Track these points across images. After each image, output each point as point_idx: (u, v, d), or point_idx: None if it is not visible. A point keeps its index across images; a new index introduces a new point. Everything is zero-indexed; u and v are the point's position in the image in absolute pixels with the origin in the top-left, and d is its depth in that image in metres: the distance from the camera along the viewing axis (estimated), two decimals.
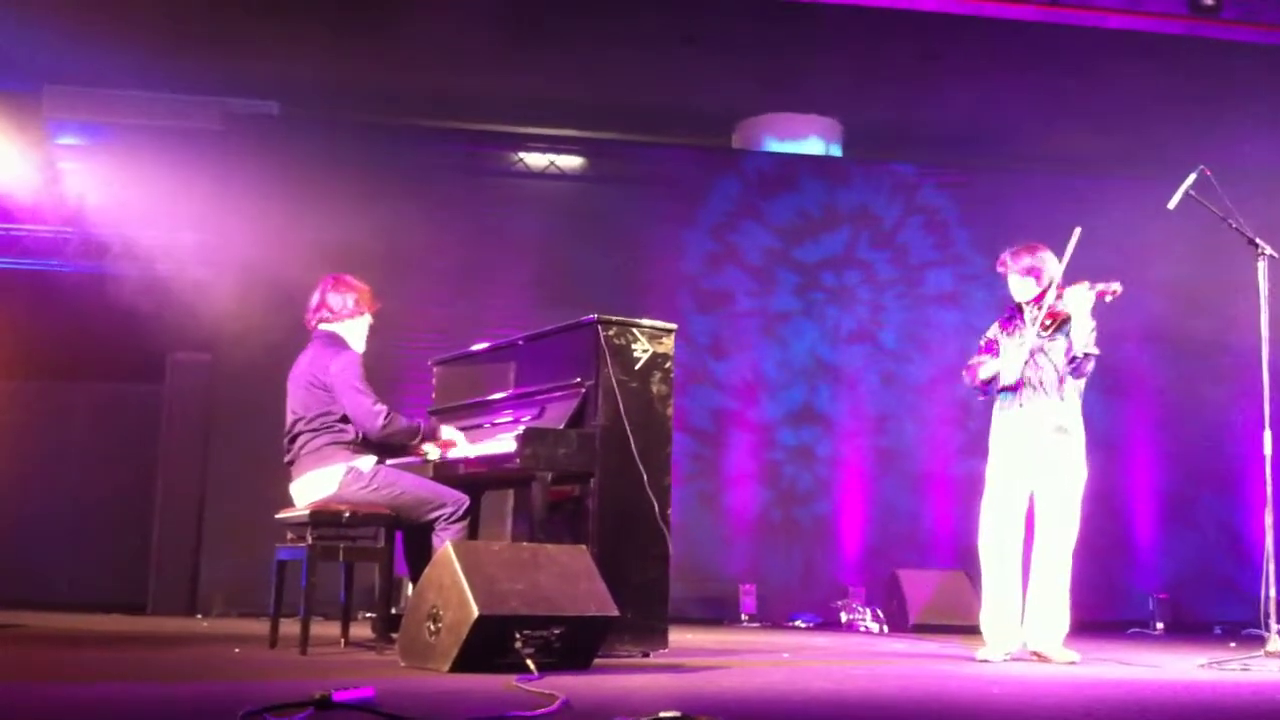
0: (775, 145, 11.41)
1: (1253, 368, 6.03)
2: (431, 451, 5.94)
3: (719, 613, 10.15)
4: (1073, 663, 5.86)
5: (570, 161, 11.13)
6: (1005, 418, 6.16)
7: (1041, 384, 6.08)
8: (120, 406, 10.48)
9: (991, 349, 6.29)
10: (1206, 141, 9.76)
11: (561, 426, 5.65)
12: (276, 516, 5.88)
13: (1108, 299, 5.99)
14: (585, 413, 5.73)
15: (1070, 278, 6.07)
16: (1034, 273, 6.15)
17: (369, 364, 5.93)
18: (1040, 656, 5.99)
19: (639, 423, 5.74)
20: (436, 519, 5.70)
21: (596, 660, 4.83)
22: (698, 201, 11.06)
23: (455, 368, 6.85)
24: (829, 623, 9.96)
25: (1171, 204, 6.04)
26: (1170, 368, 11.20)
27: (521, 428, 5.61)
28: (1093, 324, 6.03)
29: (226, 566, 9.50)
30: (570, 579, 4.79)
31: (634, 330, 5.86)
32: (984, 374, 6.26)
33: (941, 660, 6.11)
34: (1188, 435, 11.14)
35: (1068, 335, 6.04)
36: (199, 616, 9.41)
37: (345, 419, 5.73)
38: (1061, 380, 6.07)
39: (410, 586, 5.89)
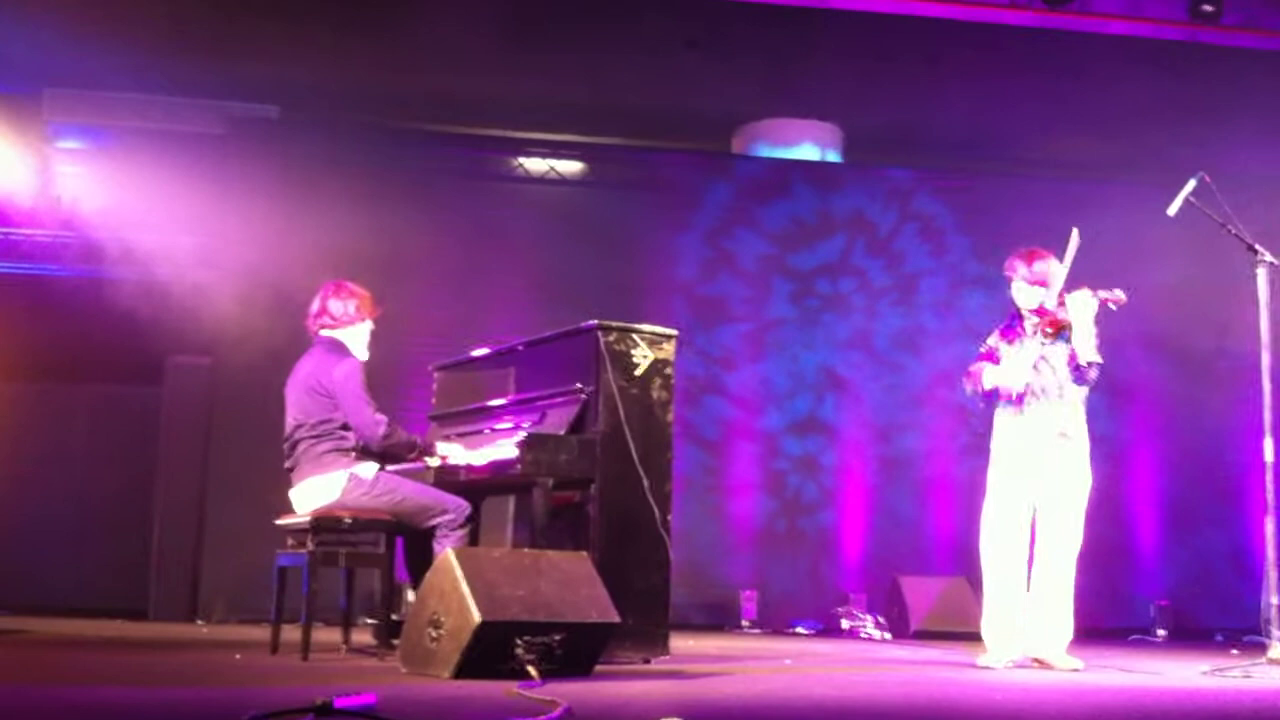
0: (775, 150, 11.40)
1: (1253, 374, 6.02)
2: (432, 459, 5.94)
3: (720, 619, 10.14)
4: (1075, 670, 5.86)
5: (570, 166, 11.13)
6: (1008, 424, 6.15)
7: (1044, 390, 6.07)
8: (120, 410, 10.46)
9: (991, 357, 6.28)
10: (1206, 147, 9.76)
11: (562, 432, 5.65)
12: (277, 522, 5.87)
13: (1111, 307, 5.99)
14: (586, 419, 5.73)
15: (1070, 283, 6.06)
16: (1041, 280, 6.13)
17: (369, 369, 5.93)
18: (1042, 663, 5.98)
19: (639, 429, 5.75)
20: (438, 525, 5.70)
21: (598, 667, 4.82)
22: (698, 207, 11.06)
23: (455, 373, 6.85)
24: (830, 629, 9.95)
25: (1171, 210, 6.04)
26: (1171, 374, 11.20)
27: (523, 434, 5.61)
28: (1095, 330, 6.01)
29: (227, 572, 9.48)
30: (571, 585, 4.79)
31: (634, 336, 5.86)
32: (987, 383, 6.23)
33: (943, 667, 6.10)
34: (1189, 442, 11.13)
35: (1069, 342, 6.03)
36: (200, 622, 9.40)
37: (347, 425, 5.73)
38: (1064, 387, 6.06)
39: (411, 592, 5.89)
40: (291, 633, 5.77)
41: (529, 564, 4.79)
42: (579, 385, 5.77)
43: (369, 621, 7.39)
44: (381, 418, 5.71)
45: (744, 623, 10.07)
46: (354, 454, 5.74)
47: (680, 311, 10.55)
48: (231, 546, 9.34)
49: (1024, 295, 6.18)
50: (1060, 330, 6.07)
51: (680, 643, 6.36)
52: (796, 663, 6.20)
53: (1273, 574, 5.80)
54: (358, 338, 6.02)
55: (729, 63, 10.14)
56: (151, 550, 9.85)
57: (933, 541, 10.69)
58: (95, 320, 9.56)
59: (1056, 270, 6.13)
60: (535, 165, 11.05)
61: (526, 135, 11.20)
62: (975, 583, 6.91)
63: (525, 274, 10.35)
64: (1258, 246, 6.10)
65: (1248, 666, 5.80)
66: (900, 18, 9.25)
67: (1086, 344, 5.97)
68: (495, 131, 11.22)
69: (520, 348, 6.31)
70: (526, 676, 4.38)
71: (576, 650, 4.66)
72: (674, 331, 6.01)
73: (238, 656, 5.70)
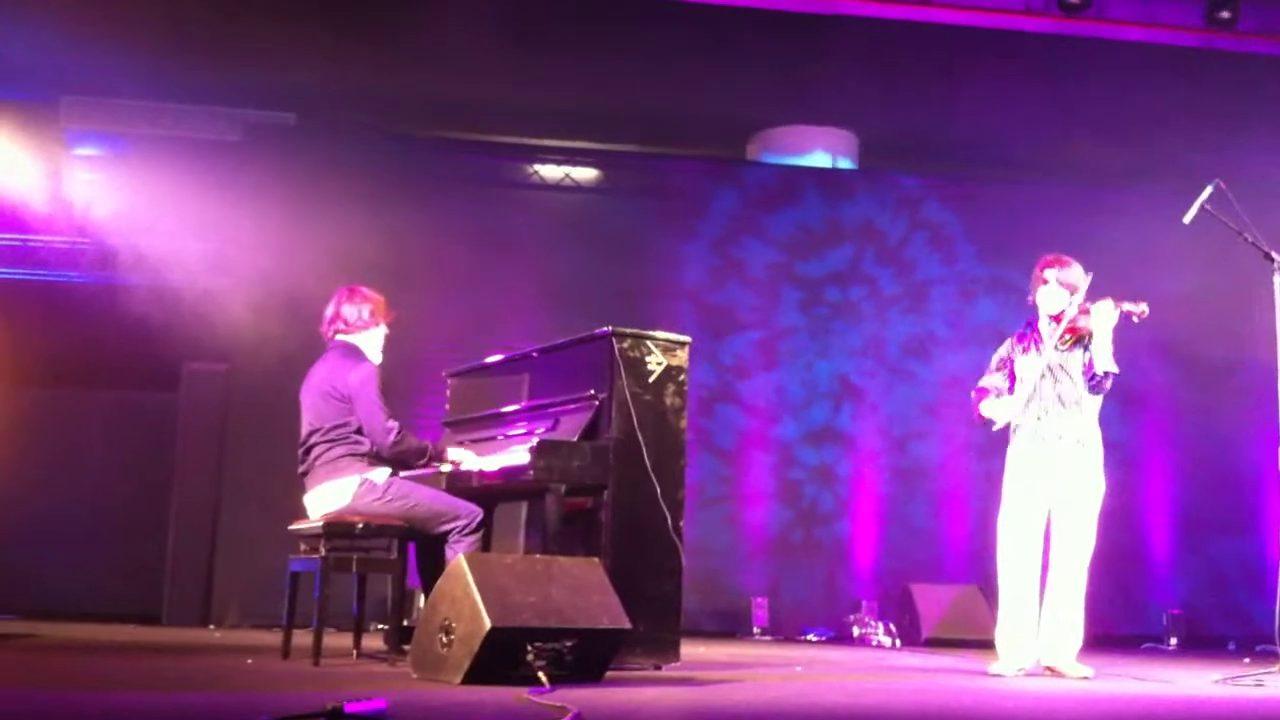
0: (789, 158, 11.41)
1: (1268, 382, 5.99)
2: (443, 466, 5.95)
3: (731, 626, 10.14)
4: (1086, 678, 5.84)
5: (585, 173, 11.15)
6: (1023, 432, 6.13)
7: (1059, 398, 6.05)
8: (135, 416, 10.49)
9: (1005, 366, 6.25)
10: (1222, 154, 9.72)
11: (575, 439, 5.65)
12: (290, 528, 5.89)
13: (1135, 319, 5.97)
14: (599, 425, 5.73)
15: (1089, 292, 6.05)
16: (1070, 287, 6.11)
17: (383, 374, 5.94)
18: (1054, 671, 5.96)
19: (652, 435, 5.74)
20: (450, 531, 5.71)
21: (609, 673, 4.82)
22: (711, 214, 11.06)
23: (469, 379, 6.86)
24: (841, 637, 9.94)
25: (1188, 218, 6.02)
26: (1185, 382, 11.17)
27: (536, 440, 5.62)
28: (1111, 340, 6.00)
29: (240, 577, 9.51)
30: (583, 591, 4.79)
31: (648, 343, 5.86)
32: (984, 413, 6.21)
33: (955, 675, 6.09)
34: (1202, 450, 11.09)
35: (1086, 350, 6.01)
36: (212, 627, 9.43)
37: (361, 430, 5.74)
38: (1079, 395, 6.03)
39: (423, 598, 5.89)
40: (303, 638, 5.78)
41: (540, 570, 4.79)
42: (592, 392, 5.77)
43: (380, 627, 7.40)
44: (393, 424, 5.72)
45: (755, 630, 10.07)
46: (368, 459, 5.75)
47: (694, 319, 10.55)
48: (245, 552, 9.37)
49: (1050, 300, 6.15)
50: (1079, 339, 6.05)
51: (691, 649, 6.36)
52: (807, 670, 6.19)
53: None
54: (372, 342, 6.03)
55: (744, 69, 10.15)
56: (165, 555, 9.89)
57: (944, 549, 10.67)
58: (111, 326, 9.60)
59: (1080, 276, 6.11)
60: (550, 172, 11.08)
61: (541, 142, 11.23)
62: (987, 591, 6.90)
63: (539, 280, 10.36)
64: (1274, 254, 6.08)
65: (1260, 675, 5.78)
66: (916, 24, 9.25)
67: (1105, 354, 5.96)
68: (510, 138, 11.25)
69: (534, 354, 6.31)
70: (537, 683, 4.37)
71: (587, 656, 4.65)
72: (687, 338, 6.01)
73: (249, 661, 5.71)
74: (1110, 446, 6.16)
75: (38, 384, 10.18)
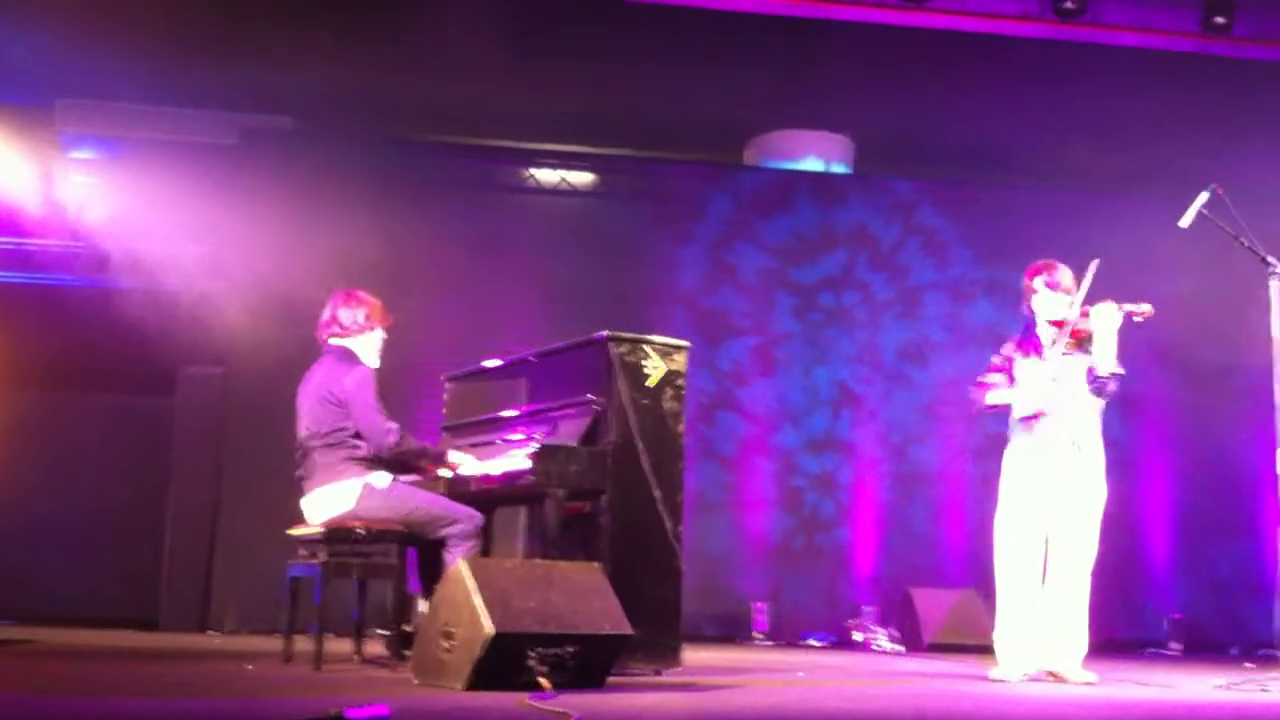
0: (785, 162, 11.42)
1: (1265, 386, 6.00)
2: (443, 469, 5.94)
3: (732, 630, 10.13)
4: (1089, 683, 5.83)
5: (582, 178, 11.15)
6: (1022, 436, 6.13)
7: (1058, 403, 6.05)
8: (132, 420, 10.47)
9: (1005, 369, 6.25)
10: (1219, 159, 9.74)
11: (574, 444, 5.64)
12: (289, 533, 5.87)
13: (1137, 319, 5.97)
14: (598, 430, 5.72)
15: (1089, 298, 6.05)
16: (1064, 289, 6.11)
17: (381, 379, 5.92)
18: (1056, 676, 5.95)
19: (651, 440, 5.73)
20: (449, 536, 5.69)
21: (609, 678, 4.81)
22: (708, 219, 11.07)
23: (467, 384, 6.85)
24: (842, 642, 9.93)
25: (1183, 222, 6.03)
26: (1184, 386, 11.17)
27: (535, 445, 5.61)
28: (1115, 342, 5.99)
29: (239, 582, 9.48)
30: (583, 596, 4.78)
31: (646, 347, 5.84)
32: (992, 399, 6.21)
33: (957, 680, 6.08)
34: (1203, 454, 11.09)
35: (1087, 353, 6.01)
36: (211, 632, 9.40)
37: (359, 434, 5.72)
38: (1078, 398, 6.03)
39: (423, 603, 5.88)
40: (304, 643, 5.76)
41: (541, 575, 4.78)
42: (591, 396, 5.76)
43: (381, 632, 7.38)
44: (393, 426, 5.71)
45: (756, 635, 10.06)
46: (367, 463, 5.74)
47: (691, 323, 10.55)
48: (243, 557, 9.35)
49: (1046, 305, 6.15)
50: (1080, 342, 6.04)
51: (692, 654, 6.35)
52: (808, 675, 6.18)
53: None
54: (368, 346, 6.02)
55: (741, 74, 10.16)
56: (163, 560, 9.86)
57: (944, 554, 10.67)
58: (107, 330, 9.57)
59: (1072, 280, 6.12)
60: (547, 176, 11.07)
61: (538, 146, 11.23)
62: (987, 595, 6.89)
63: (536, 285, 10.35)
64: (1270, 258, 6.07)
65: (1263, 680, 5.78)
66: (913, 30, 9.27)
67: (1108, 356, 5.95)
68: (507, 142, 11.25)
69: (532, 358, 6.30)
70: (538, 688, 4.37)
71: (588, 662, 4.65)
72: (686, 343, 6.00)
73: (249, 667, 5.70)
74: (1109, 450, 6.15)
75: (34, 388, 10.16)
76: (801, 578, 10.57)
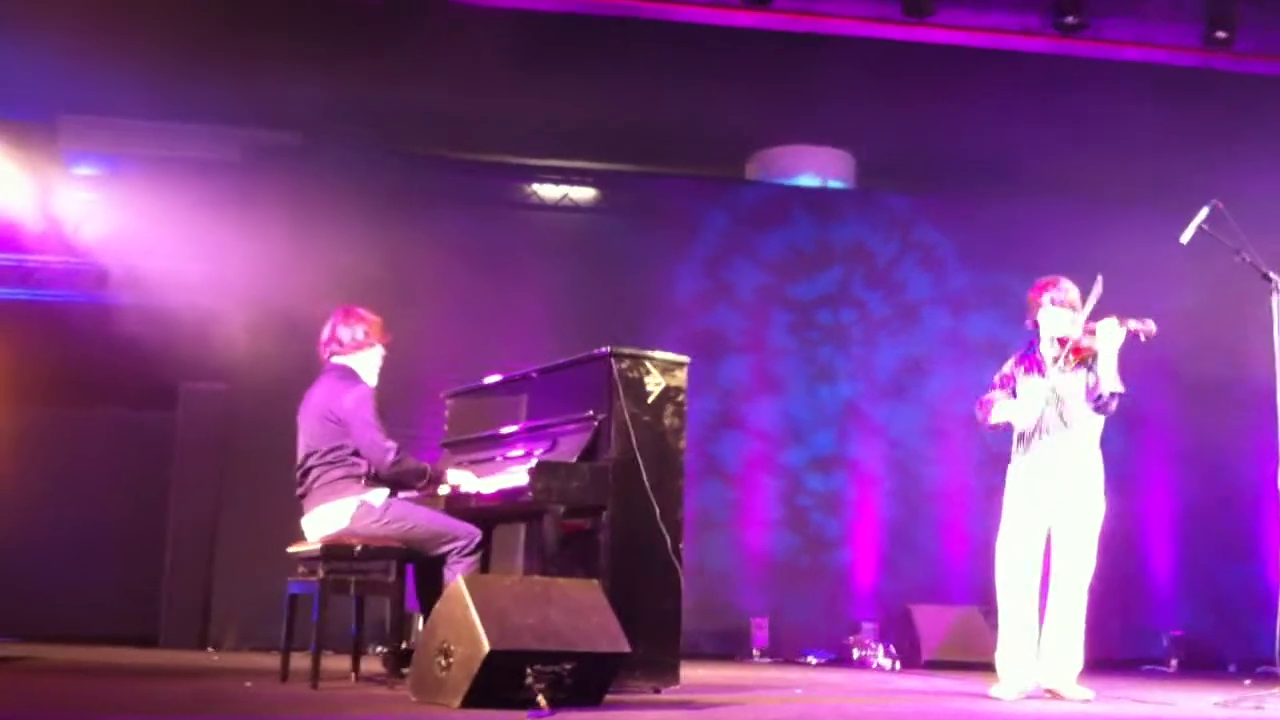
0: (786, 178, 11.43)
1: (1266, 402, 5.98)
2: (442, 487, 5.93)
3: (731, 647, 10.10)
4: (1087, 700, 5.82)
5: (584, 193, 11.15)
6: (1022, 452, 6.12)
7: (1061, 419, 6.04)
8: (134, 435, 10.48)
9: (1007, 384, 6.24)
10: (1220, 174, 9.74)
11: (574, 460, 5.64)
12: (288, 550, 5.86)
13: (1142, 339, 5.96)
14: (598, 446, 5.71)
15: (1093, 313, 6.04)
16: (1070, 305, 6.10)
17: (381, 396, 5.92)
18: (1054, 694, 5.94)
19: (651, 456, 5.72)
20: (448, 553, 5.68)
21: (608, 696, 4.80)
22: (710, 234, 11.08)
23: (468, 400, 6.84)
24: (841, 659, 9.90)
25: (1185, 237, 6.01)
26: (1184, 402, 11.14)
27: (534, 461, 5.60)
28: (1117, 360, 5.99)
29: (238, 599, 9.47)
30: (582, 613, 4.77)
31: (646, 363, 5.84)
32: (995, 418, 6.20)
33: (955, 697, 6.07)
34: (1203, 471, 11.07)
35: (1089, 370, 6.00)
36: (210, 650, 9.39)
37: (359, 453, 5.72)
38: (1079, 415, 6.02)
39: (421, 620, 5.87)
40: (302, 660, 5.75)
41: (539, 592, 4.77)
42: (591, 412, 5.75)
43: (379, 649, 7.37)
44: (391, 444, 5.70)
45: (755, 652, 10.04)
46: (365, 481, 5.73)
47: (693, 340, 10.53)
48: (243, 574, 9.34)
49: (1052, 321, 6.13)
50: (1083, 359, 6.03)
51: (691, 672, 6.34)
52: (807, 693, 6.17)
53: None
54: (368, 363, 6.01)
55: (743, 90, 10.17)
56: (163, 577, 9.86)
57: (944, 571, 10.65)
58: (109, 346, 9.58)
59: (1079, 297, 6.11)
60: (549, 192, 11.08)
61: (540, 162, 11.24)
62: (987, 612, 6.88)
63: (537, 301, 10.36)
64: (1271, 274, 6.07)
65: (1261, 697, 5.76)
66: (914, 45, 9.28)
67: (1110, 373, 5.94)
68: (509, 158, 11.26)
69: (533, 374, 6.30)
70: (536, 706, 4.35)
71: (587, 679, 4.63)
72: (686, 358, 6.00)
73: (248, 684, 5.69)
74: (1109, 466, 6.14)
75: (36, 403, 10.18)
76: (801, 594, 10.55)
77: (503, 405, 6.45)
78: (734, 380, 10.86)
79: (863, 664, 9.56)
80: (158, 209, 9.88)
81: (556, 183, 11.12)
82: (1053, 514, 6.01)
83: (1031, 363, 6.19)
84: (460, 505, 5.93)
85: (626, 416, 5.70)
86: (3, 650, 7.76)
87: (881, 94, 10.27)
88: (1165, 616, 10.74)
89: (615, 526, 5.64)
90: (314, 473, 5.76)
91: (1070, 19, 9.02)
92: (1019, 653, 5.98)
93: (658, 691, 5.58)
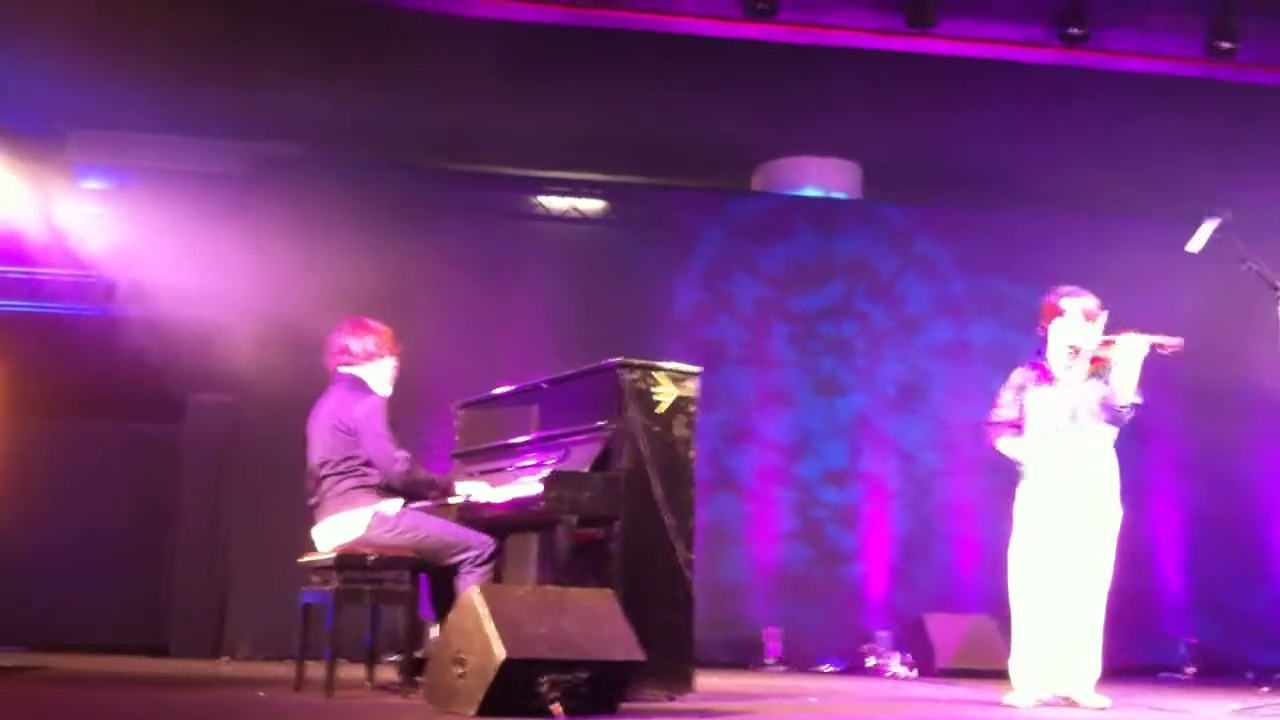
0: (791, 189, 11.46)
1: (1273, 410, 6.00)
2: (453, 498, 5.95)
3: (744, 656, 10.08)
4: (1103, 708, 5.81)
5: (590, 205, 11.18)
6: (1037, 460, 6.11)
7: (1074, 427, 6.03)
8: (143, 447, 10.50)
9: (1018, 398, 6.20)
10: (1225, 183, 9.77)
11: (586, 470, 5.65)
12: (301, 560, 5.88)
13: (1164, 352, 5.96)
14: (609, 456, 5.73)
15: (1111, 325, 6.04)
16: (1089, 316, 6.10)
17: (392, 406, 5.93)
18: (1070, 701, 5.93)
19: (662, 466, 5.74)
20: (461, 562, 5.70)
21: (622, 704, 4.80)
22: (716, 245, 11.09)
23: (479, 411, 6.86)
24: (855, 667, 9.89)
25: (1191, 246, 6.01)
26: (1193, 410, 11.11)
27: (546, 471, 5.62)
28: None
29: (252, 609, 9.48)
30: (595, 622, 4.77)
31: (656, 373, 5.86)
32: (1003, 449, 6.18)
33: (969, 705, 6.07)
34: (1211, 478, 11.05)
35: (1103, 380, 6.01)
36: (223, 659, 9.40)
37: (370, 463, 5.74)
38: (1094, 424, 6.02)
39: (435, 630, 5.88)
40: (316, 670, 5.76)
41: (553, 601, 4.78)
42: (602, 423, 5.77)
43: (393, 658, 7.38)
44: (403, 454, 5.72)
45: (768, 660, 10.03)
46: (378, 491, 5.74)
47: (701, 350, 10.53)
48: (256, 583, 9.35)
49: (1068, 331, 6.11)
50: (1097, 369, 6.04)
51: (705, 680, 6.34)
52: (821, 701, 6.18)
53: None
54: (379, 374, 6.02)
55: (749, 101, 10.20)
56: (173, 587, 9.87)
57: (957, 579, 10.64)
58: (117, 359, 9.60)
59: (1097, 308, 6.10)
60: (555, 203, 11.10)
61: (546, 174, 11.26)
62: (1001, 621, 6.88)
63: (545, 312, 10.37)
64: (1278, 283, 6.07)
65: (1278, 705, 5.76)
66: (919, 55, 9.31)
67: (1130, 386, 5.95)
68: (515, 170, 11.28)
69: (543, 385, 6.32)
70: (550, 714, 4.37)
71: (601, 688, 4.64)
72: (696, 369, 6.02)
73: (262, 694, 5.70)
74: (1124, 474, 6.14)
75: (46, 415, 10.18)
76: (814, 603, 10.53)
77: (513, 416, 6.47)
78: (742, 392, 10.85)
79: (877, 672, 9.55)
80: (164, 222, 9.90)
81: (563, 194, 11.14)
82: (1067, 521, 5.99)
83: (1042, 372, 6.19)
84: (473, 515, 5.94)
85: (637, 427, 5.72)
86: (15, 660, 7.77)
87: (886, 105, 10.30)
88: (1181, 623, 10.71)
89: (627, 536, 5.65)
90: (327, 483, 5.77)
91: (1073, 30, 9.04)
92: (1033, 661, 5.97)
93: (672, 699, 5.59)
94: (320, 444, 5.85)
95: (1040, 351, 6.23)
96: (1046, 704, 5.94)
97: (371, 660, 6.18)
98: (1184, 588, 10.99)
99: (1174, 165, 10.59)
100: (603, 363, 5.86)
